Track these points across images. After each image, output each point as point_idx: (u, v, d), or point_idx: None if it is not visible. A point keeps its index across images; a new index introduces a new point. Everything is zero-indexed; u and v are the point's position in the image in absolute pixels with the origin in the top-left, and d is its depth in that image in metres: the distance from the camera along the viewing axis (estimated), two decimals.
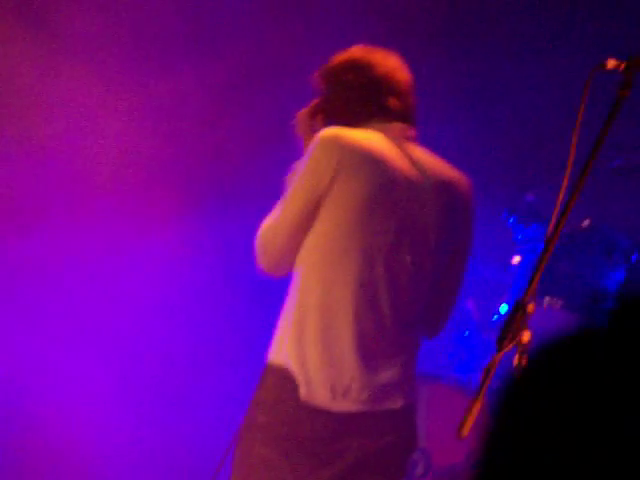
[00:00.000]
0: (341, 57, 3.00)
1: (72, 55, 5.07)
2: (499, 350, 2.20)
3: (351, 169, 2.78)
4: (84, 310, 5.14)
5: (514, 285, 4.57)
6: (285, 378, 2.81)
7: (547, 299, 4.37)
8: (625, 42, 4.38)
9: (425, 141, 2.98)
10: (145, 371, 5.22)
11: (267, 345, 2.90)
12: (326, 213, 2.80)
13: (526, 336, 2.19)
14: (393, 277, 2.83)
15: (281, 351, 2.84)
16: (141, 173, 5.23)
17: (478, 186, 3.00)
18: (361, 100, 2.94)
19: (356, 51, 2.99)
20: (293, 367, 2.79)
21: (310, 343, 2.79)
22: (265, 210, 2.98)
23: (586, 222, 4.42)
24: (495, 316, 4.67)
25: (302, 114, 3.04)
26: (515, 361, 2.19)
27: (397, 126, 2.91)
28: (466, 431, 2.13)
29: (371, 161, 2.80)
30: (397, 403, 2.85)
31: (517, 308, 2.21)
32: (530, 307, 2.21)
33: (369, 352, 2.81)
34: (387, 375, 2.83)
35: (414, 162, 2.88)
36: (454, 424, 2.14)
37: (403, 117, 2.93)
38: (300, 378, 2.79)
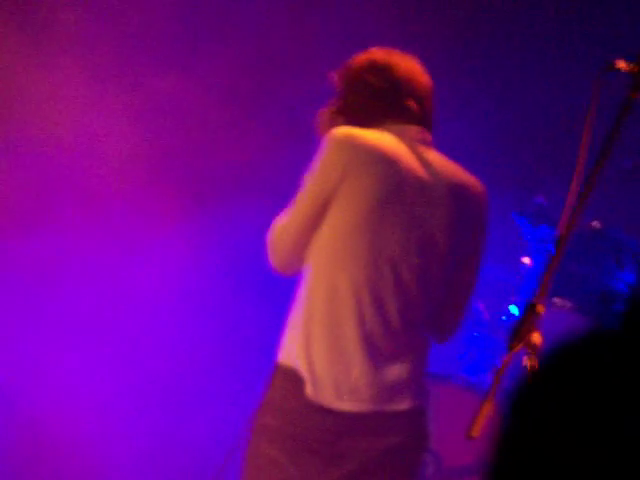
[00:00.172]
0: (361, 58, 3.00)
1: (72, 55, 5.07)
2: (509, 351, 2.20)
3: (361, 169, 2.78)
4: (87, 310, 5.13)
5: (524, 286, 4.57)
6: (293, 379, 2.81)
7: (557, 300, 4.37)
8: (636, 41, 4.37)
9: (434, 142, 2.98)
10: (149, 372, 5.21)
11: (274, 345, 2.91)
12: (335, 212, 2.80)
13: (536, 337, 2.20)
14: (400, 278, 2.83)
15: (289, 351, 2.84)
16: (143, 173, 5.23)
17: (488, 187, 3.00)
18: (379, 101, 2.94)
19: (376, 53, 3.00)
20: (300, 366, 2.80)
21: (317, 341, 2.79)
22: (273, 209, 2.99)
23: (595, 224, 4.42)
24: (505, 317, 4.68)
25: (323, 113, 3.04)
26: (525, 362, 2.19)
27: (413, 129, 2.91)
28: (476, 432, 2.14)
29: (382, 161, 2.80)
30: (405, 404, 2.85)
31: (527, 309, 2.21)
32: (540, 308, 2.21)
33: (375, 352, 2.81)
34: (394, 375, 2.83)
35: (427, 165, 2.88)
36: (464, 425, 2.15)
37: (420, 120, 2.94)
38: (307, 376, 2.79)
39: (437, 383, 4.24)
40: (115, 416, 5.17)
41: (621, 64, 2.43)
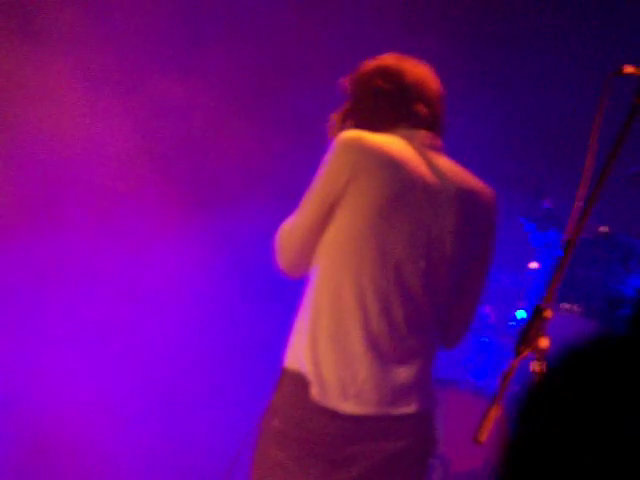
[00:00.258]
0: (372, 63, 3.02)
1: (72, 56, 5.08)
2: (517, 356, 2.20)
3: (368, 172, 2.79)
4: (90, 311, 5.13)
5: (531, 291, 4.58)
6: (299, 382, 2.82)
7: (564, 305, 4.37)
8: None
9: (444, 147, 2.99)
10: (154, 374, 5.21)
11: (282, 348, 2.91)
12: (341, 215, 2.81)
13: (544, 342, 2.19)
14: (406, 281, 2.83)
15: (296, 354, 2.85)
16: (147, 173, 5.23)
17: (495, 192, 3.00)
18: (389, 106, 2.95)
19: (387, 58, 3.01)
20: (307, 368, 2.80)
21: (323, 343, 2.80)
22: (280, 211, 3.00)
23: (603, 228, 4.42)
24: (512, 322, 4.68)
25: (334, 117, 3.05)
26: (533, 367, 2.19)
27: (422, 134, 2.92)
28: (484, 437, 2.14)
29: (389, 165, 2.81)
30: (411, 407, 2.85)
31: (535, 314, 2.21)
32: (548, 313, 2.21)
33: (381, 355, 2.81)
34: (400, 379, 2.83)
35: (435, 170, 2.88)
36: (472, 430, 2.14)
37: (430, 125, 2.94)
38: (313, 378, 2.79)
39: (445, 388, 4.25)
40: (118, 418, 5.18)
41: (629, 69, 2.43)
